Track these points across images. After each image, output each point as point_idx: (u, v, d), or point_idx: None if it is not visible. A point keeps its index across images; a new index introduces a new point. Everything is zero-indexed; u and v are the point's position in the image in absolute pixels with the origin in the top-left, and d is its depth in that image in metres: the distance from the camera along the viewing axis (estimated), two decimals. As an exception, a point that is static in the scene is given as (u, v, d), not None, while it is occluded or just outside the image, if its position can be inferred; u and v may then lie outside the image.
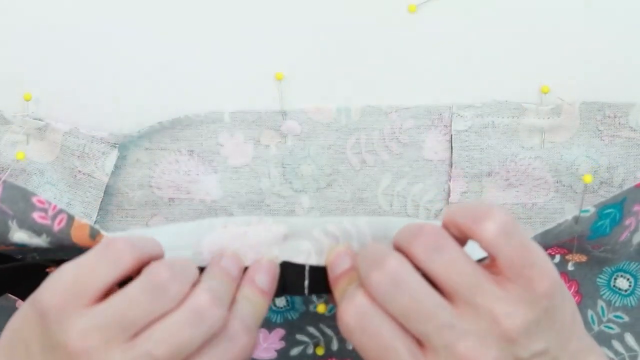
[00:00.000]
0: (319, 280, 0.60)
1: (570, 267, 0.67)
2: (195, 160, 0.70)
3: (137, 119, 0.70)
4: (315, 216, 0.70)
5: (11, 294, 0.65)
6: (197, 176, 0.70)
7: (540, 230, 0.62)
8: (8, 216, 0.60)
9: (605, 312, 0.68)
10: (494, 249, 0.54)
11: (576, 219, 0.61)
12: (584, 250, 0.66)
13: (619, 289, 0.68)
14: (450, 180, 0.70)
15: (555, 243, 0.64)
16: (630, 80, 0.70)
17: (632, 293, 0.68)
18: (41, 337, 0.54)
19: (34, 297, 0.55)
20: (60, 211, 0.60)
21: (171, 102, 0.70)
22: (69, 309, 0.54)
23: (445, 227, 0.56)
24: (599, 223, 0.62)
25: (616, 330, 0.68)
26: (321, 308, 0.66)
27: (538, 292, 0.54)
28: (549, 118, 0.70)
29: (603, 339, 0.68)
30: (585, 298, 0.68)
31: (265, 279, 0.59)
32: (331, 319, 0.67)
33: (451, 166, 0.70)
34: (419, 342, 0.55)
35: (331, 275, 0.59)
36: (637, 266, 0.68)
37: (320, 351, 0.68)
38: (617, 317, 0.68)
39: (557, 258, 0.67)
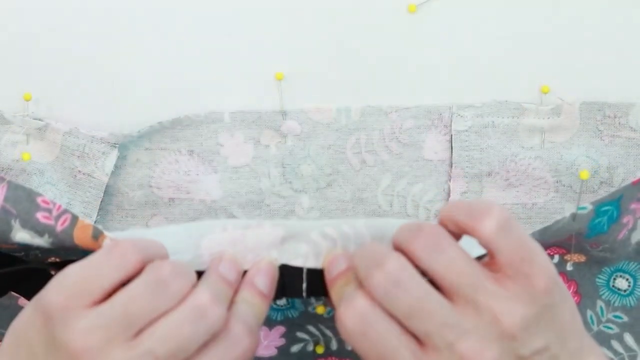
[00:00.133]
0: (317, 283, 0.60)
1: (569, 267, 0.67)
2: (195, 160, 0.70)
3: (137, 119, 0.70)
4: (315, 217, 0.69)
5: (13, 291, 0.65)
6: (197, 176, 0.70)
7: (538, 227, 0.62)
8: (11, 215, 0.60)
9: (605, 312, 0.68)
10: (492, 245, 0.55)
11: (574, 216, 0.61)
12: (583, 249, 0.66)
13: (618, 289, 0.68)
14: (450, 180, 0.70)
15: (554, 241, 0.64)
16: (630, 80, 0.70)
17: (631, 293, 0.68)
18: (45, 338, 0.55)
19: (39, 297, 0.55)
20: (65, 211, 0.60)
21: (171, 102, 0.70)
22: (73, 309, 0.54)
23: (443, 223, 0.57)
24: (597, 220, 0.62)
25: (615, 330, 0.68)
26: (320, 310, 0.66)
27: (537, 289, 0.54)
28: (549, 118, 0.70)
29: (602, 339, 0.68)
30: (584, 298, 0.68)
31: (264, 281, 0.59)
32: (330, 321, 0.67)
33: (451, 166, 0.70)
34: (420, 342, 0.55)
35: (328, 277, 0.59)
36: (636, 266, 0.67)
37: (320, 349, 0.68)
38: (616, 317, 0.68)
39: (556, 258, 0.67)
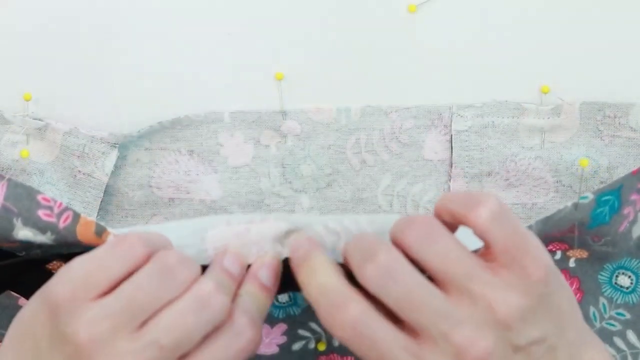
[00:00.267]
0: None
1: (571, 263, 0.67)
2: (195, 160, 0.70)
3: (137, 119, 0.70)
4: (316, 215, 0.69)
5: (13, 291, 0.65)
6: (197, 176, 0.70)
7: (541, 217, 0.62)
8: (13, 214, 0.60)
9: (607, 309, 0.68)
10: (486, 234, 0.54)
11: (575, 205, 0.61)
12: (585, 244, 0.66)
13: (621, 287, 0.68)
14: (450, 180, 0.70)
15: (557, 233, 0.64)
16: (630, 80, 0.70)
17: (633, 290, 0.68)
18: (50, 331, 0.54)
19: (45, 290, 0.55)
20: (66, 209, 0.60)
21: (171, 102, 0.70)
22: (79, 302, 0.54)
23: (438, 214, 0.57)
24: (598, 210, 0.62)
25: (618, 327, 0.68)
26: None
27: (532, 279, 0.54)
28: (549, 118, 0.70)
29: (605, 336, 0.68)
30: (587, 295, 0.68)
31: (267, 274, 0.59)
32: None
33: (451, 166, 0.70)
34: (415, 333, 0.54)
35: (292, 264, 0.59)
36: (638, 263, 0.68)
37: (322, 347, 0.68)
38: (618, 314, 0.68)
39: (559, 254, 0.67)
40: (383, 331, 0.54)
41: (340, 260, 0.58)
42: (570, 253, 0.67)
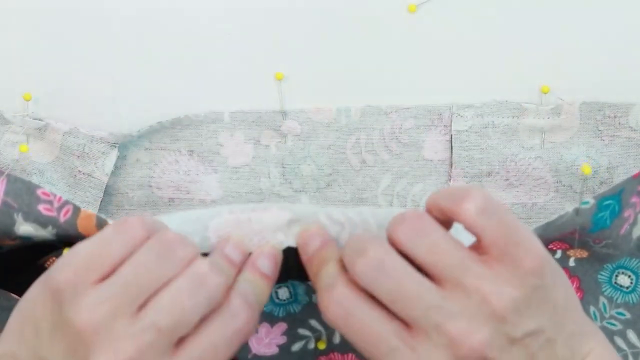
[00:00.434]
0: None
1: (571, 262, 0.67)
2: (195, 160, 0.70)
3: (137, 119, 0.70)
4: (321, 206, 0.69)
5: (11, 291, 0.65)
6: (197, 176, 0.70)
7: (542, 222, 0.62)
8: (13, 209, 0.60)
9: (607, 308, 0.68)
10: (476, 228, 0.54)
11: (577, 211, 0.61)
12: (586, 244, 0.66)
13: (621, 286, 0.68)
14: (450, 180, 0.70)
15: (558, 235, 0.64)
16: (630, 80, 0.70)
17: (633, 290, 0.68)
18: (52, 316, 0.54)
19: (47, 275, 0.55)
20: (66, 202, 0.60)
21: (171, 102, 0.70)
22: (81, 286, 0.54)
23: (429, 211, 0.57)
24: (599, 215, 0.62)
25: (618, 326, 0.68)
26: None
27: (525, 270, 0.54)
28: (549, 118, 0.70)
29: (605, 336, 0.68)
30: (587, 294, 0.68)
31: (267, 263, 0.59)
32: None
33: (451, 166, 0.70)
34: (408, 326, 0.54)
35: (303, 256, 0.59)
36: (638, 263, 0.68)
37: (321, 345, 0.68)
38: (619, 313, 0.68)
39: (559, 253, 0.67)
40: (372, 315, 0.54)
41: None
42: (570, 252, 0.67)
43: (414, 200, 0.70)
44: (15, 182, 0.60)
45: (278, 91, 0.70)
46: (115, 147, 0.69)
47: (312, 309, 0.67)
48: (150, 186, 0.70)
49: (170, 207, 0.70)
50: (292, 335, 0.68)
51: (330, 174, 0.70)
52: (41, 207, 0.60)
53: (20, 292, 0.58)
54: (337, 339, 0.68)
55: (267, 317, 0.67)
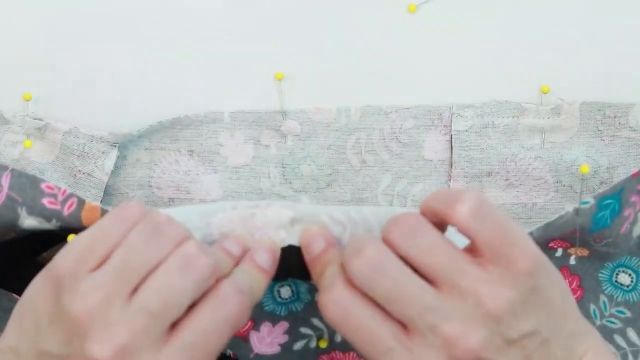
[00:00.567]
0: None
1: (572, 261, 0.67)
2: (195, 160, 0.70)
3: (137, 119, 0.70)
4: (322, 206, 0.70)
5: (10, 290, 0.65)
6: (197, 176, 0.70)
7: (542, 222, 0.62)
8: (17, 203, 0.60)
9: (608, 307, 0.68)
10: (469, 231, 0.55)
11: (577, 211, 0.61)
12: (586, 243, 0.66)
13: (621, 285, 0.68)
14: (450, 180, 0.70)
15: (558, 235, 0.64)
16: (630, 80, 0.70)
17: (634, 289, 0.68)
18: (51, 306, 0.54)
19: (49, 265, 0.55)
20: (71, 195, 0.60)
21: (171, 102, 0.70)
22: (80, 273, 0.54)
23: (424, 215, 0.57)
24: (600, 214, 0.62)
25: (618, 325, 0.68)
26: None
27: (520, 271, 0.54)
28: (549, 118, 0.70)
29: (605, 334, 0.68)
30: (587, 293, 0.68)
31: (264, 257, 0.59)
32: None
33: (451, 166, 0.70)
34: (404, 327, 0.54)
35: (307, 256, 0.59)
36: (638, 262, 0.68)
37: (323, 344, 0.68)
38: (619, 312, 0.68)
39: (560, 251, 0.67)
40: (369, 315, 0.54)
41: None
42: (571, 251, 0.67)
43: (414, 200, 0.70)
44: (20, 176, 0.60)
45: (278, 91, 0.70)
46: (115, 146, 0.69)
47: (314, 308, 0.67)
48: (150, 186, 0.70)
49: (170, 207, 0.70)
50: (294, 334, 0.68)
51: (330, 174, 0.70)
52: (45, 201, 0.60)
53: (21, 291, 0.58)
54: (338, 338, 0.68)
55: (269, 316, 0.67)
